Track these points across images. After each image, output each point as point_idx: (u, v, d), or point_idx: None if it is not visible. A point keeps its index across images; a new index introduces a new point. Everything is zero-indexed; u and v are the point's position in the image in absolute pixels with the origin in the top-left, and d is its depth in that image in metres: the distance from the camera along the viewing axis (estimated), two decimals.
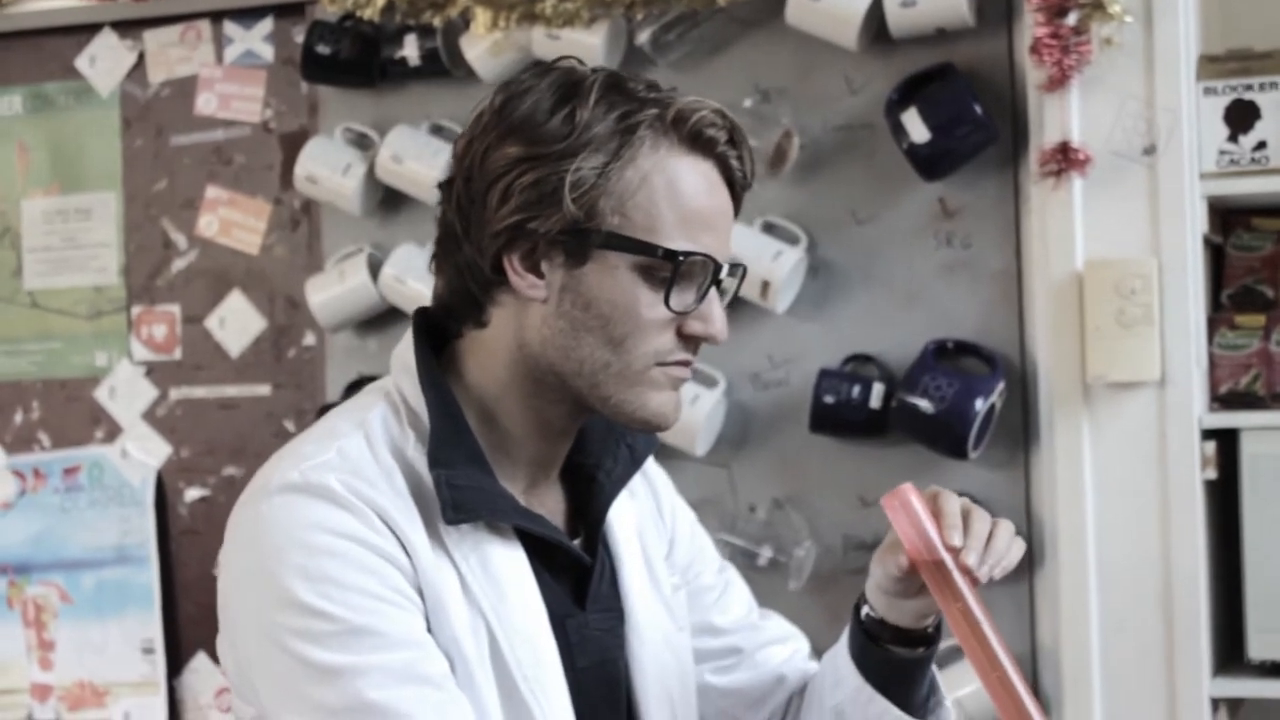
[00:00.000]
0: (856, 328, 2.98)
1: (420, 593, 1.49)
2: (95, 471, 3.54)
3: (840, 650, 1.72)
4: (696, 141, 1.54)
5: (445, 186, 1.58)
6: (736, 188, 1.59)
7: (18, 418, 3.61)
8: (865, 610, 1.67)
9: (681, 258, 1.51)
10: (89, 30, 3.55)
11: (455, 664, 1.49)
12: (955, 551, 1.52)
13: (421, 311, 1.64)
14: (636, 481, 1.74)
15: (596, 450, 1.67)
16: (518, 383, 1.57)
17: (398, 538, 1.48)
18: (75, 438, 3.57)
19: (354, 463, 1.51)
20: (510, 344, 1.56)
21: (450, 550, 1.52)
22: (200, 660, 3.47)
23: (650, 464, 1.80)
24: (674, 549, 1.80)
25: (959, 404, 2.78)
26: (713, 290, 1.55)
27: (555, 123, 1.51)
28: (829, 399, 2.90)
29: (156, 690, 3.47)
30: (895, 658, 1.66)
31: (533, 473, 1.62)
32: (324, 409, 3.20)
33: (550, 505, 1.64)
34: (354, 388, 3.18)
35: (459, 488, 1.51)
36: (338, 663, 1.44)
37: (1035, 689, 2.87)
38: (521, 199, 1.50)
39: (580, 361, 1.53)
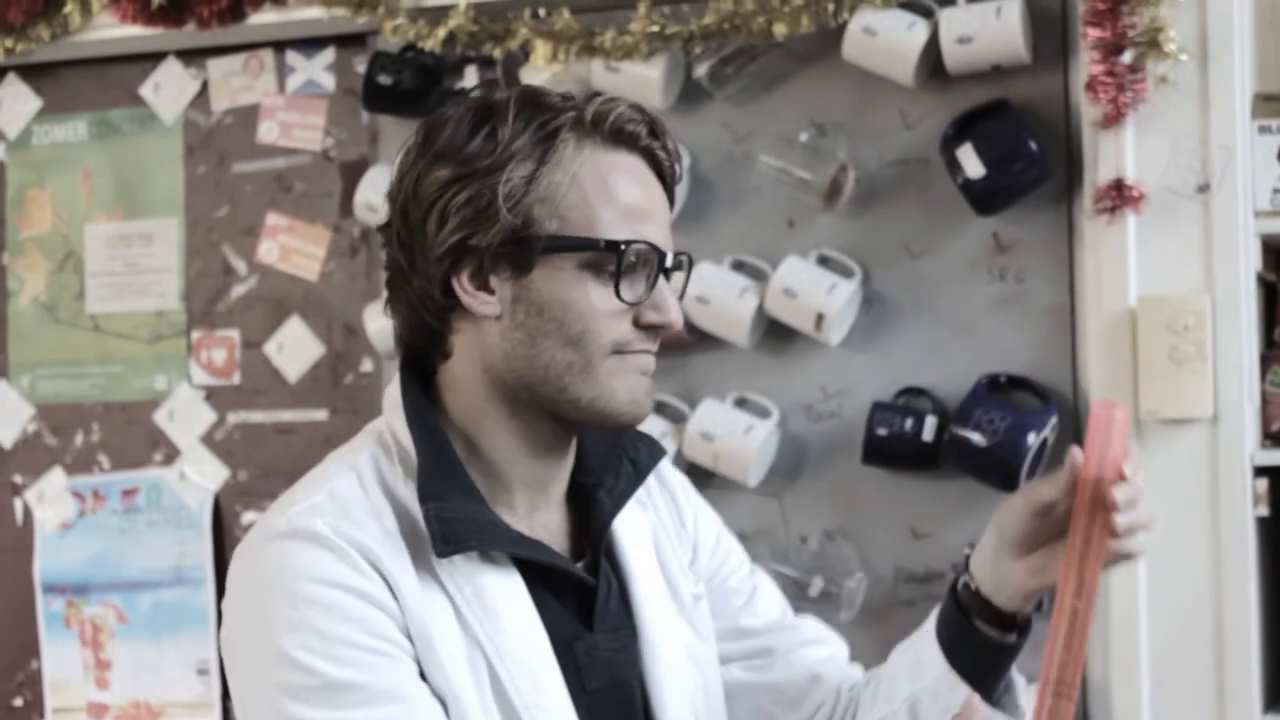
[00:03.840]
0: (910, 361, 2.99)
1: (409, 635, 1.50)
2: (153, 494, 3.57)
3: (924, 639, 1.71)
4: (619, 137, 1.56)
5: (385, 229, 1.60)
6: (666, 179, 1.61)
7: (78, 439, 3.65)
8: (964, 580, 1.66)
9: (624, 245, 1.53)
10: (154, 59, 3.59)
11: (452, 701, 1.50)
12: (1120, 480, 1.52)
13: (411, 352, 1.65)
14: (653, 491, 1.76)
15: (598, 469, 1.67)
16: (493, 406, 1.58)
17: (385, 579, 1.49)
18: (134, 460, 3.60)
19: (344, 503, 1.53)
20: (476, 368, 1.58)
21: (445, 584, 1.53)
22: None
23: (669, 471, 1.82)
24: (697, 556, 1.80)
25: (1011, 438, 2.79)
26: (661, 278, 1.57)
27: (478, 142, 1.53)
28: (881, 431, 2.91)
29: (211, 710, 3.49)
30: (986, 641, 1.64)
31: (530, 496, 1.63)
32: None
33: (553, 528, 1.64)
34: None
35: (448, 520, 1.51)
36: (318, 719, 1.45)
37: None
38: (459, 218, 1.53)
39: (544, 367, 1.55)
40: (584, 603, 1.62)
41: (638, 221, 1.56)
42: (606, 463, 1.68)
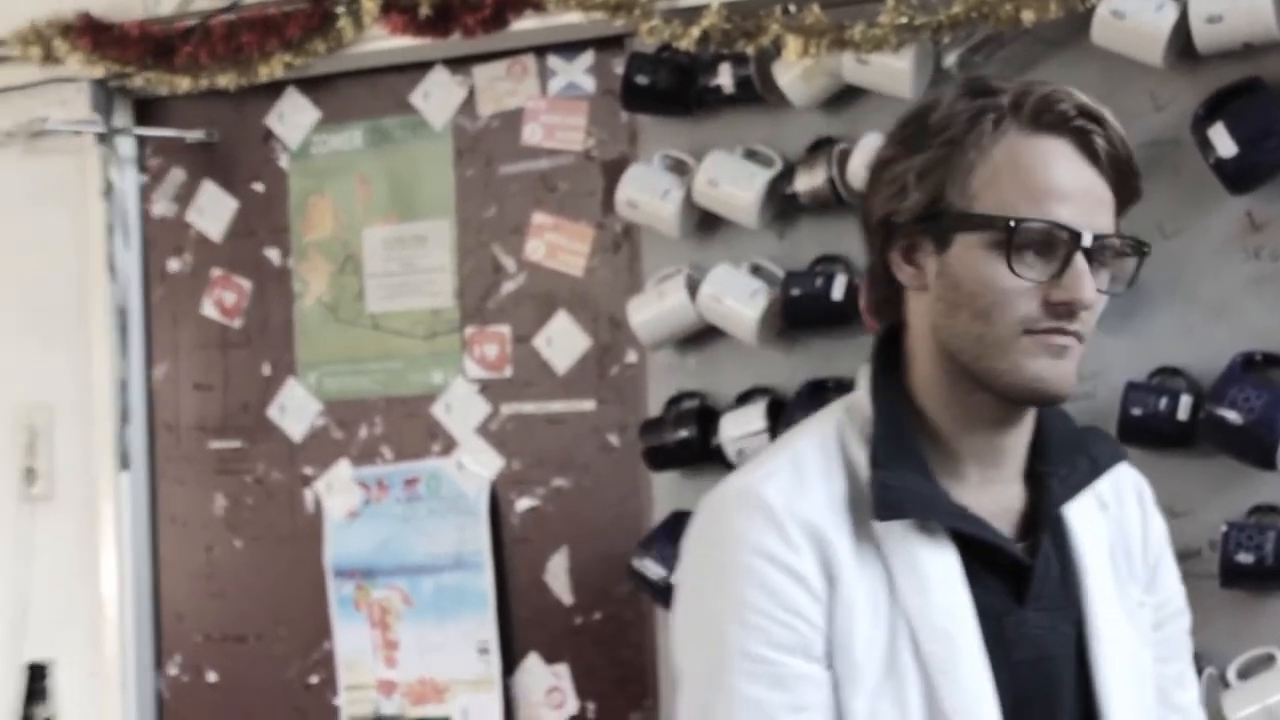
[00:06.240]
0: (1164, 341, 2.99)
1: (830, 606, 1.60)
2: (433, 483, 3.70)
3: None
4: (1039, 121, 1.62)
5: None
6: (1102, 159, 1.63)
7: (362, 432, 3.80)
8: None
9: (1013, 223, 1.59)
10: (422, 68, 3.72)
11: (871, 659, 1.60)
12: None
13: (889, 326, 1.75)
14: (1126, 501, 1.80)
15: (1057, 459, 1.72)
16: (936, 372, 1.67)
17: (821, 552, 1.60)
18: (414, 451, 3.73)
19: (801, 467, 1.65)
20: (921, 334, 1.68)
21: (882, 549, 1.62)
22: (532, 660, 3.60)
23: (1151, 495, 1.84)
24: (1155, 580, 1.81)
25: (1268, 415, 2.78)
26: (1078, 257, 1.60)
27: (911, 126, 1.66)
28: (1136, 411, 2.92)
29: (492, 688, 3.60)
30: None
31: (981, 469, 1.69)
32: (646, 423, 3.35)
33: (1004, 503, 1.70)
34: (674, 402, 3.33)
35: (891, 488, 1.61)
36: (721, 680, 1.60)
37: None
38: (883, 195, 1.66)
39: (960, 337, 1.63)
40: (1019, 579, 1.67)
41: (1051, 202, 1.60)
42: (1063, 454, 1.73)
